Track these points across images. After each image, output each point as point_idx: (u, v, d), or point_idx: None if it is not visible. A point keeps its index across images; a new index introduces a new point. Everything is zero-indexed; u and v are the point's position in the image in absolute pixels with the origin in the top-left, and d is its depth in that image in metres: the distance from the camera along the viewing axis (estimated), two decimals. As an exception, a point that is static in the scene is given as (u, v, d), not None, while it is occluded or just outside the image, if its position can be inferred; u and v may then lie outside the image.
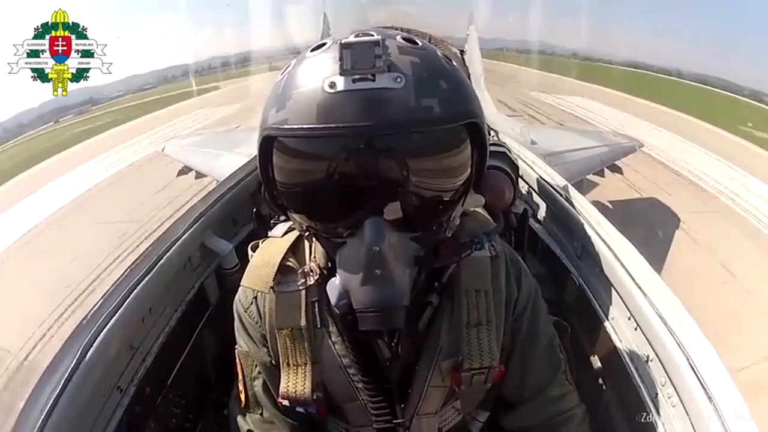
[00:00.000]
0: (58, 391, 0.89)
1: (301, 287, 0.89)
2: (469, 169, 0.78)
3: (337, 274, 0.79)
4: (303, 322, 0.88)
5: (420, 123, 0.69)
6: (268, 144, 0.75)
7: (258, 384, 0.99)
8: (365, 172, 0.70)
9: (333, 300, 0.79)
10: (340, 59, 0.67)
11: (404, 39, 0.74)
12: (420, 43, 0.75)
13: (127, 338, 1.16)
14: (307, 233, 0.83)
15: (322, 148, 0.71)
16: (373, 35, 0.69)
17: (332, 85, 0.67)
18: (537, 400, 0.99)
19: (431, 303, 0.87)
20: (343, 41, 0.68)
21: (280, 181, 0.77)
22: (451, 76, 0.73)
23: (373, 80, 0.67)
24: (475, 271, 0.90)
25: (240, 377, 1.01)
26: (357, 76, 0.67)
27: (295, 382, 0.88)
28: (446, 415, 1.00)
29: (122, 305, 1.12)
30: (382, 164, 0.70)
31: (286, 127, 0.70)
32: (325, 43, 0.74)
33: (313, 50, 0.74)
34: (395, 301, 0.74)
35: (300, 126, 0.69)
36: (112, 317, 1.08)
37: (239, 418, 1.04)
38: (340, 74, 0.67)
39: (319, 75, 0.69)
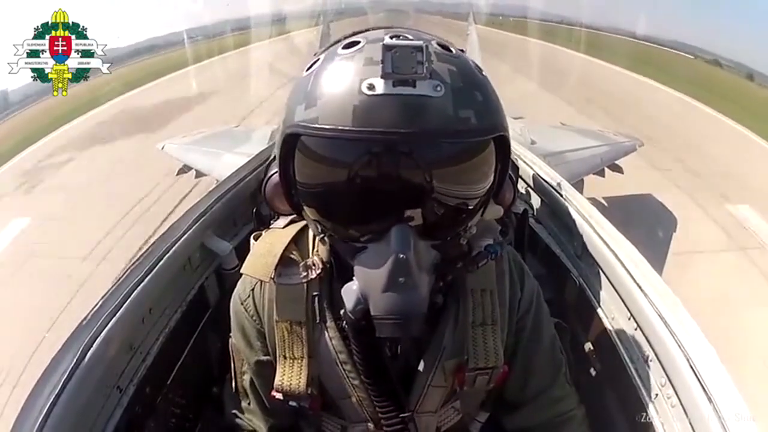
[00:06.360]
0: (57, 391, 0.89)
1: (303, 280, 0.88)
2: (492, 180, 0.78)
3: (354, 279, 0.77)
4: (303, 317, 0.87)
5: (457, 134, 0.68)
6: (292, 141, 0.73)
7: (246, 379, 1.01)
8: (394, 178, 0.69)
9: (349, 305, 0.77)
10: (382, 61, 0.65)
11: (439, 45, 0.72)
12: (453, 51, 0.73)
13: (127, 338, 1.16)
14: (322, 235, 0.81)
15: (354, 151, 0.69)
16: (410, 38, 0.67)
17: (371, 87, 0.65)
18: (538, 401, 0.99)
19: (436, 303, 0.86)
20: (385, 42, 0.66)
21: (301, 181, 0.76)
22: (483, 87, 0.72)
23: (414, 86, 0.65)
24: (480, 270, 0.90)
25: (232, 366, 1.03)
26: (398, 80, 0.65)
27: (291, 376, 0.88)
28: (445, 415, 1.00)
29: (122, 305, 1.12)
30: (412, 172, 0.69)
31: (316, 126, 0.68)
32: (357, 42, 0.72)
33: (344, 48, 0.72)
34: (415, 309, 0.73)
35: (334, 126, 0.66)
36: (112, 317, 1.07)
37: (229, 401, 1.07)
38: (381, 77, 0.65)
39: (356, 75, 0.67)
